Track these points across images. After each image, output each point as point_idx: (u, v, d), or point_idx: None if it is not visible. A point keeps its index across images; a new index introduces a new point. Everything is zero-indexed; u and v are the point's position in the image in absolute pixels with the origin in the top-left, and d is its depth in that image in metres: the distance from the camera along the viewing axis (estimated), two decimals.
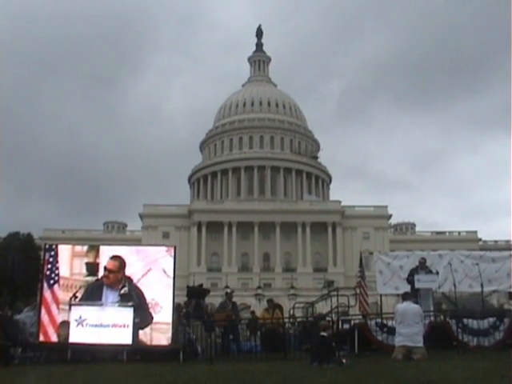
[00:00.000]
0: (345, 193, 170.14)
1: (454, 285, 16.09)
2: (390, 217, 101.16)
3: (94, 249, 14.64)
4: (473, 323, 14.57)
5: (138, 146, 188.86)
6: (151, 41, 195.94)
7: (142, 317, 13.77)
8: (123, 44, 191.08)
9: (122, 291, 13.84)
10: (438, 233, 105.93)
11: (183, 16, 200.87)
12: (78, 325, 13.71)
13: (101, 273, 14.11)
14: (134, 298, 13.81)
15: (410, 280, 16.18)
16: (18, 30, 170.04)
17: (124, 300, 13.80)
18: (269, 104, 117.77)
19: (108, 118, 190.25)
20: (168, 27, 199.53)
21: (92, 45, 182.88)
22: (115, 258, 14.18)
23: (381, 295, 19.31)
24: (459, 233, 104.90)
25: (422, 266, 16.39)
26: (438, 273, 16.72)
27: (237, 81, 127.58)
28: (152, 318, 13.80)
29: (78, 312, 13.80)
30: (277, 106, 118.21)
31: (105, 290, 13.93)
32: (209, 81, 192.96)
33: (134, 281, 13.97)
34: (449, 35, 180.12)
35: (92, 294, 13.93)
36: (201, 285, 19.60)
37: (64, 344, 13.77)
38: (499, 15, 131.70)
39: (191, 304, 17.16)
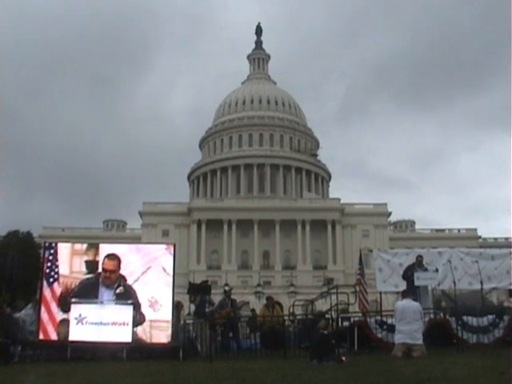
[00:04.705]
0: (344, 191, 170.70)
1: (454, 282, 16.08)
2: (389, 214, 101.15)
3: (94, 247, 14.63)
4: (472, 321, 14.59)
5: (138, 145, 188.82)
6: (154, 41, 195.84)
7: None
8: (126, 44, 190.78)
9: (118, 290, 13.85)
10: (437, 230, 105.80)
11: (186, 16, 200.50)
12: (77, 323, 13.73)
13: (99, 270, 14.11)
14: (131, 297, 13.81)
15: (406, 277, 16.19)
16: (21, 30, 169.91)
17: (119, 299, 13.81)
18: (268, 102, 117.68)
19: (109, 117, 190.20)
20: (171, 27, 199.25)
21: (95, 45, 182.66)
22: (112, 257, 14.17)
23: (380, 293, 19.32)
24: (459, 230, 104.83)
25: (420, 264, 16.41)
26: (437, 270, 16.74)
27: (238, 79, 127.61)
28: (145, 318, 13.76)
29: (77, 310, 13.81)
30: (276, 103, 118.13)
31: (100, 287, 13.94)
32: (210, 79, 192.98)
33: (134, 278, 13.96)
34: (449, 35, 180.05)
35: (87, 291, 13.92)
36: (206, 281, 19.56)
37: (64, 342, 13.77)
38: (499, 15, 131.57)
39: (196, 300, 17.13)
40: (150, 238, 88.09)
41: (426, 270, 16.29)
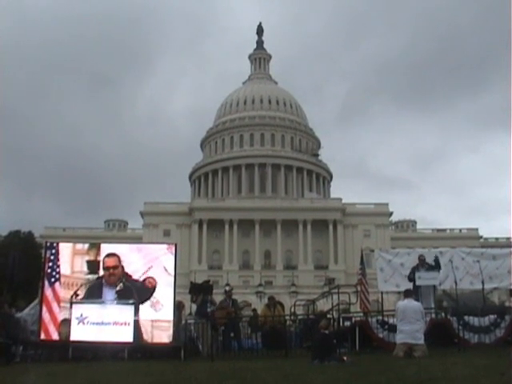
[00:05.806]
0: (345, 191, 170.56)
1: (455, 282, 16.09)
2: (390, 214, 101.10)
3: (95, 247, 14.64)
4: (474, 320, 14.59)
5: (139, 145, 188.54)
6: (156, 42, 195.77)
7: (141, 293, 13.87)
8: (128, 45, 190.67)
9: (118, 287, 13.87)
10: (438, 230, 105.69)
11: (187, 17, 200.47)
12: (79, 323, 13.73)
13: (101, 271, 14.12)
14: (132, 294, 13.80)
15: (412, 278, 16.19)
16: (23, 31, 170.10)
17: (120, 297, 13.83)
18: (269, 101, 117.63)
19: (111, 118, 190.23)
20: (173, 29, 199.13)
21: (97, 46, 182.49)
22: (111, 255, 14.19)
23: (382, 292, 19.31)
24: (460, 230, 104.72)
25: (423, 263, 16.42)
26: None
27: (239, 79, 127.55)
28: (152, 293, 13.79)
29: (79, 310, 13.82)
30: (277, 103, 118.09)
31: (104, 288, 13.96)
32: (211, 79, 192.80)
33: (135, 278, 13.97)
34: (450, 36, 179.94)
35: (92, 293, 13.95)
36: (207, 281, 19.57)
37: (65, 342, 13.79)
38: (500, 16, 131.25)
39: (198, 300, 17.13)
40: (152, 237, 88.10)
41: (429, 268, 16.29)
